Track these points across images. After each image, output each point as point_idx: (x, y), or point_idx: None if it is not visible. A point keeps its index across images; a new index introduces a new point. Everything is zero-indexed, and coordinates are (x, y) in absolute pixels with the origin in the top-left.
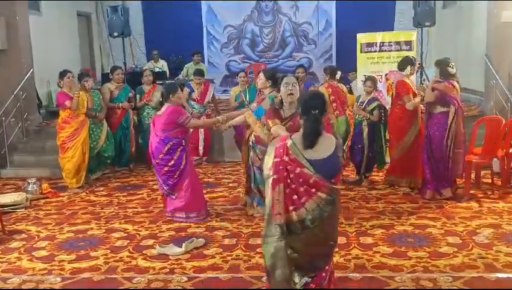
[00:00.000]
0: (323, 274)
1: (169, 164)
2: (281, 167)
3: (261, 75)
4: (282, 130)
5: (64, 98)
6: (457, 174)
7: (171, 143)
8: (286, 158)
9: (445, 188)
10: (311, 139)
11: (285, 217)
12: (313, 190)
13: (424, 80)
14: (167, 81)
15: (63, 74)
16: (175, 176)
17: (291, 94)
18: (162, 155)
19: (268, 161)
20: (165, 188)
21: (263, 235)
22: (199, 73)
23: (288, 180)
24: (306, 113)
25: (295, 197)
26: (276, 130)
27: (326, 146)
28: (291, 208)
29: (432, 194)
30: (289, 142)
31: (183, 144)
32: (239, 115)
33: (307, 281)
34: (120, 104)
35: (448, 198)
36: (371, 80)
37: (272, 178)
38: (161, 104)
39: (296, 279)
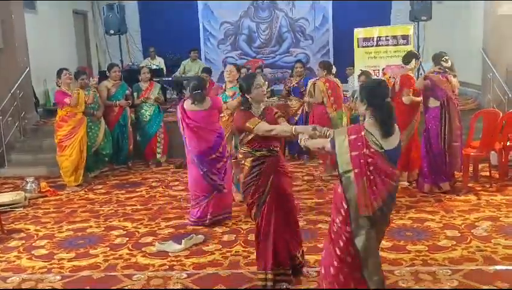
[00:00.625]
0: None
1: (226, 155)
2: (361, 161)
3: (232, 68)
4: (267, 125)
5: (62, 97)
6: (455, 168)
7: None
8: (366, 151)
9: (443, 182)
10: (390, 128)
11: (371, 209)
12: (388, 180)
13: (421, 74)
14: (164, 78)
15: (60, 72)
16: (226, 167)
17: (265, 94)
18: (221, 148)
19: (344, 156)
20: (221, 183)
21: (352, 231)
22: (207, 70)
23: (368, 173)
24: (376, 102)
25: (374, 188)
26: (260, 127)
27: (395, 135)
28: (372, 198)
29: (430, 187)
30: (366, 134)
31: None
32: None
33: None
34: (117, 102)
35: (446, 191)
36: (365, 74)
37: (353, 172)
38: (202, 97)
39: None
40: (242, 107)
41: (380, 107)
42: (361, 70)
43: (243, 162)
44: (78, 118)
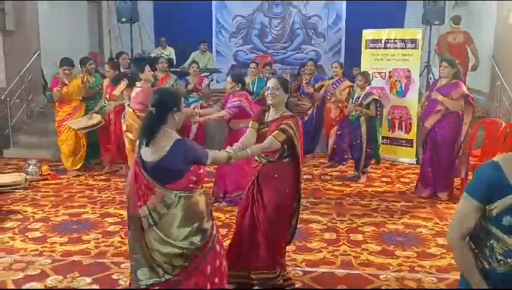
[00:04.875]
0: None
1: None
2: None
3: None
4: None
5: (54, 84)
6: (461, 175)
7: None
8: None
9: (442, 192)
10: (143, 137)
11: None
12: (147, 190)
13: (431, 78)
14: (172, 69)
15: (61, 63)
16: None
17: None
18: None
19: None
20: None
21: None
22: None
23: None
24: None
25: (140, 192)
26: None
27: (155, 147)
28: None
29: (429, 194)
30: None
31: None
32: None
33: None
34: None
35: (443, 200)
36: (361, 74)
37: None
38: None
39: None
40: (265, 109)
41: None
42: (359, 71)
43: None
44: (74, 105)
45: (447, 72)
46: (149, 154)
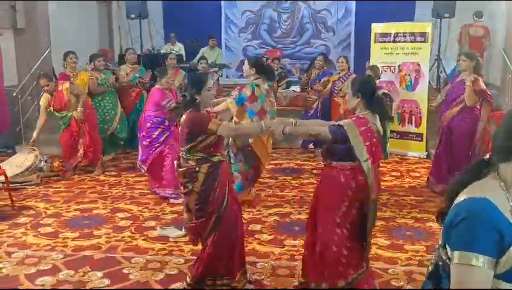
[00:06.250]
0: None
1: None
2: (373, 149)
3: (246, 61)
4: (232, 125)
5: (61, 79)
6: None
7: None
8: (375, 141)
9: None
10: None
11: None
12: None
13: (441, 71)
14: (182, 65)
15: (65, 55)
16: None
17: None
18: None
19: (360, 145)
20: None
21: (362, 214)
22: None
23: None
24: (369, 95)
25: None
26: (224, 127)
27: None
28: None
29: (444, 189)
30: (372, 125)
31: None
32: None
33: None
34: (136, 81)
35: None
36: (370, 68)
37: (369, 160)
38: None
39: None
40: (190, 109)
41: (373, 100)
42: (369, 64)
43: (197, 169)
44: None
45: (466, 65)
46: (378, 126)
